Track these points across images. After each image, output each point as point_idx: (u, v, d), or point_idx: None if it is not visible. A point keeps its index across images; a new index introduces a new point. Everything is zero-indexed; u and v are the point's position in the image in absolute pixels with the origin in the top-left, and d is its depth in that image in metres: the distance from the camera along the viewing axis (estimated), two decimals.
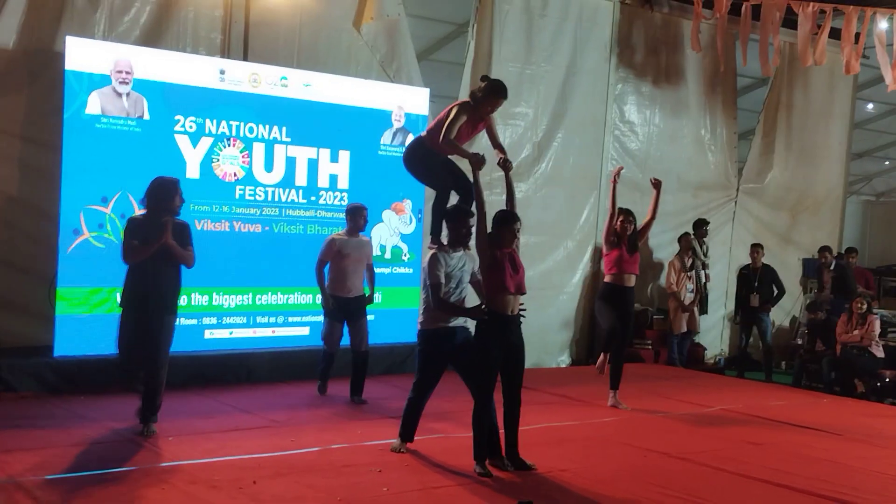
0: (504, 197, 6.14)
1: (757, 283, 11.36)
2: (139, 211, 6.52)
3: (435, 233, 6.24)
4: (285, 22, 8.94)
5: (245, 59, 8.61)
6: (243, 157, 8.33)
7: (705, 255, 11.65)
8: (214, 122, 8.16)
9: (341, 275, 7.55)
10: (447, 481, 5.43)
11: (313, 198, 8.73)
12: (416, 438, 6.10)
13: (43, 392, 7.25)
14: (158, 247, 6.06)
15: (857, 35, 10.49)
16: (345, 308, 7.59)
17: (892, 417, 8.63)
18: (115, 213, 7.63)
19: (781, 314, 12.79)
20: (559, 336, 11.04)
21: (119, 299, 6.53)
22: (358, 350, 7.64)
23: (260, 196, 8.43)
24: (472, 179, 5.93)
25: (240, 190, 8.33)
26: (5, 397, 7.06)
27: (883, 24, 10.44)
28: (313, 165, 8.71)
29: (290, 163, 8.57)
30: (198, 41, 8.51)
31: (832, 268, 11.77)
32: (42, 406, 6.93)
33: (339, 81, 8.90)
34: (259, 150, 8.41)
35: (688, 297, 11.20)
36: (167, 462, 5.50)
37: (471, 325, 5.90)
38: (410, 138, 8.29)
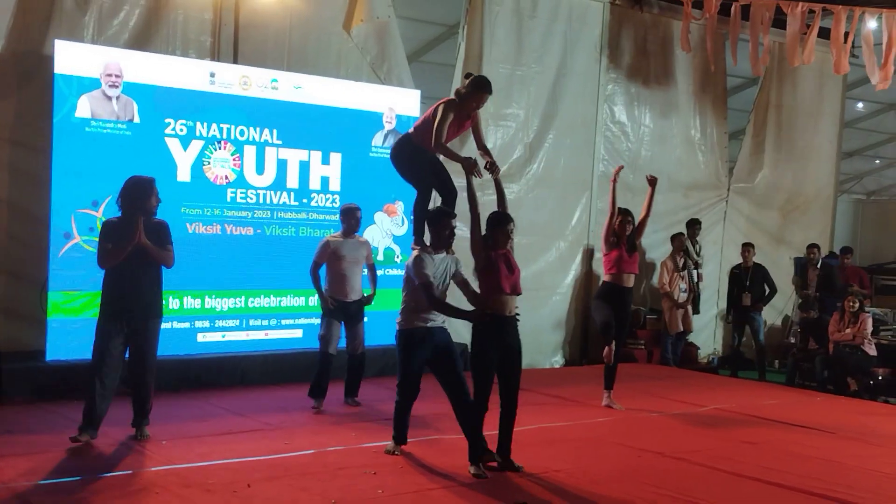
0: (495, 198, 6.11)
1: (748, 282, 11.34)
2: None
3: (418, 233, 6.22)
4: (275, 24, 8.92)
5: (235, 61, 8.60)
6: (234, 159, 8.31)
7: (698, 255, 11.68)
8: (205, 124, 8.14)
9: (339, 277, 7.47)
10: (442, 483, 5.42)
11: (305, 200, 8.71)
12: (410, 441, 6.09)
13: (35, 396, 7.20)
14: (133, 248, 5.86)
15: (847, 34, 10.52)
16: (345, 310, 7.54)
17: (884, 415, 8.65)
18: (106, 217, 7.57)
19: (774, 313, 12.83)
20: (552, 337, 11.05)
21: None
22: (354, 353, 7.61)
23: (251, 199, 8.42)
24: (454, 183, 5.88)
25: (231, 193, 8.31)
26: None
27: (871, 24, 10.47)
28: (305, 168, 8.69)
29: (282, 165, 8.56)
30: (187, 44, 8.49)
31: (818, 265, 11.78)
32: (34, 411, 6.89)
33: (329, 84, 8.89)
34: (250, 152, 8.40)
35: (681, 297, 11.22)
36: (161, 466, 5.47)
37: (462, 326, 5.89)
38: None
